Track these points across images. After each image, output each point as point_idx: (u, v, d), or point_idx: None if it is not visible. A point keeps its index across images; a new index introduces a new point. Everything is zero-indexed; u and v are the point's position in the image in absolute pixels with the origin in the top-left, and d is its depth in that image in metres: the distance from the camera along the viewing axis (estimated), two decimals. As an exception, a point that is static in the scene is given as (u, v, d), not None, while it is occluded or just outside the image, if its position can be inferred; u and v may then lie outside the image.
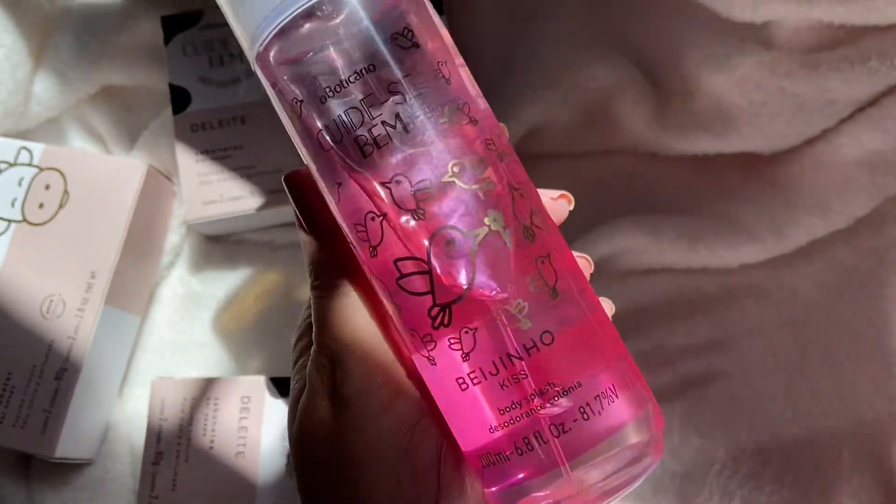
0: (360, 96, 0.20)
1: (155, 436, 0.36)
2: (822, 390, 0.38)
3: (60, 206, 0.38)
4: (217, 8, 0.41)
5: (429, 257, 0.20)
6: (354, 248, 0.21)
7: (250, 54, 0.21)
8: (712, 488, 0.37)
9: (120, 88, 0.44)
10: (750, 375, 0.38)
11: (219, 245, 0.42)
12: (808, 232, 0.38)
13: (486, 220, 0.20)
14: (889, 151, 0.35)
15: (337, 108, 0.20)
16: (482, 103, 0.22)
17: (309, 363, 0.22)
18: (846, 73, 0.34)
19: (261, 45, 0.20)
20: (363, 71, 0.20)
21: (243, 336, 0.41)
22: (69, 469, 0.38)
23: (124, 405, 0.40)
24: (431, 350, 0.20)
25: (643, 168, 0.41)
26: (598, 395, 0.20)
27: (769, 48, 0.36)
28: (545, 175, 0.42)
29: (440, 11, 0.39)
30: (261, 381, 0.36)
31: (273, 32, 0.20)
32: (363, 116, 0.20)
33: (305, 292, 0.41)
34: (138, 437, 0.39)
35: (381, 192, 0.20)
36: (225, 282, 0.42)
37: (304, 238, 0.23)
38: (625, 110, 0.39)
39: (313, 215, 0.22)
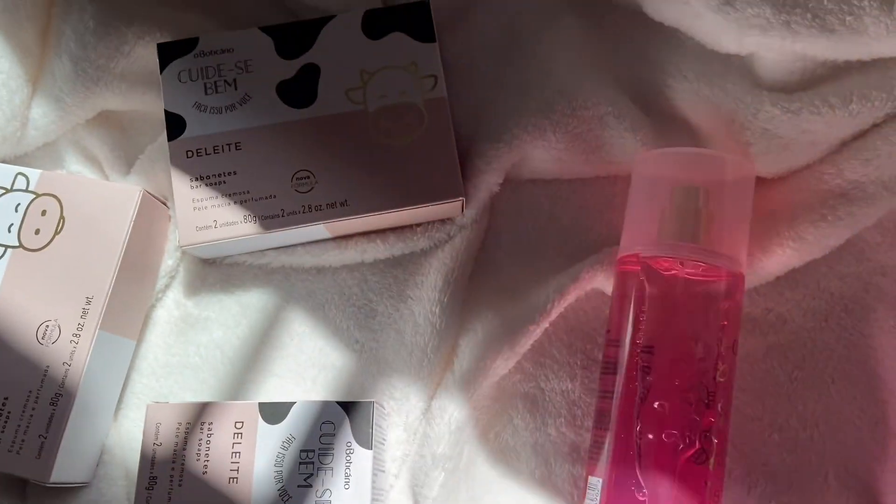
0: None
1: (149, 460, 0.36)
2: (809, 415, 0.38)
3: (56, 232, 0.38)
4: (212, 35, 0.41)
5: None
6: None
7: None
8: (699, 512, 0.37)
9: (116, 113, 0.44)
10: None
11: (214, 268, 0.43)
12: (781, 263, 0.38)
13: None
14: (869, 183, 0.36)
15: None
16: None
17: None
18: (827, 116, 0.34)
19: None
20: None
21: (237, 359, 0.41)
22: (65, 493, 0.38)
23: (119, 428, 0.40)
24: None
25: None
26: None
27: (754, 87, 0.36)
28: (536, 200, 0.42)
29: (431, 38, 0.40)
30: (254, 406, 0.36)
31: None
32: None
33: (297, 315, 0.42)
34: (133, 459, 0.39)
35: None
36: (220, 304, 0.42)
37: None
38: (619, 137, 0.39)
39: None
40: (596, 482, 0.34)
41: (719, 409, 0.33)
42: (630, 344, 0.34)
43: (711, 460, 0.33)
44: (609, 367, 0.35)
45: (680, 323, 0.34)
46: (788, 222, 0.37)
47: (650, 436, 0.33)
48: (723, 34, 0.35)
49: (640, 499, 0.32)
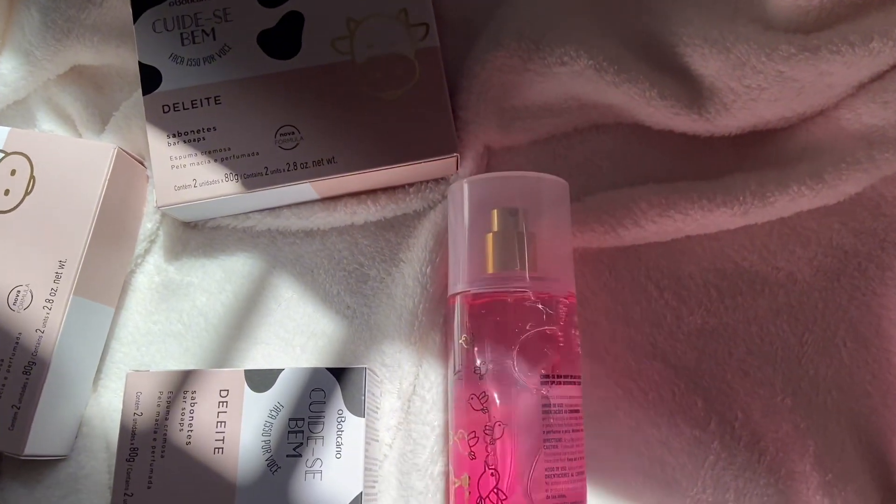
0: None
1: (129, 431, 0.34)
2: (820, 379, 0.37)
3: (27, 193, 0.36)
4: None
5: None
6: None
7: None
8: (706, 480, 0.36)
9: (90, 68, 0.42)
10: (746, 364, 0.37)
11: (196, 231, 0.40)
12: (794, 202, 0.35)
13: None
14: (889, 127, 0.33)
15: None
16: None
17: None
18: (847, 55, 0.32)
19: None
20: None
21: (221, 326, 0.39)
22: (42, 466, 0.36)
23: (99, 399, 0.38)
24: None
25: (631, 145, 0.39)
26: None
27: (767, 29, 0.34)
28: (537, 158, 0.40)
29: None
30: (240, 373, 0.35)
31: None
32: None
33: (284, 280, 0.40)
34: (114, 431, 0.38)
35: None
36: (203, 270, 0.40)
37: None
38: (607, 89, 0.37)
39: None
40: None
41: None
42: (465, 365, 0.32)
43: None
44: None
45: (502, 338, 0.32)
46: (807, 162, 0.35)
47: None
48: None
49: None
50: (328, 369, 0.34)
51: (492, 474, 0.31)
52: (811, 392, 0.36)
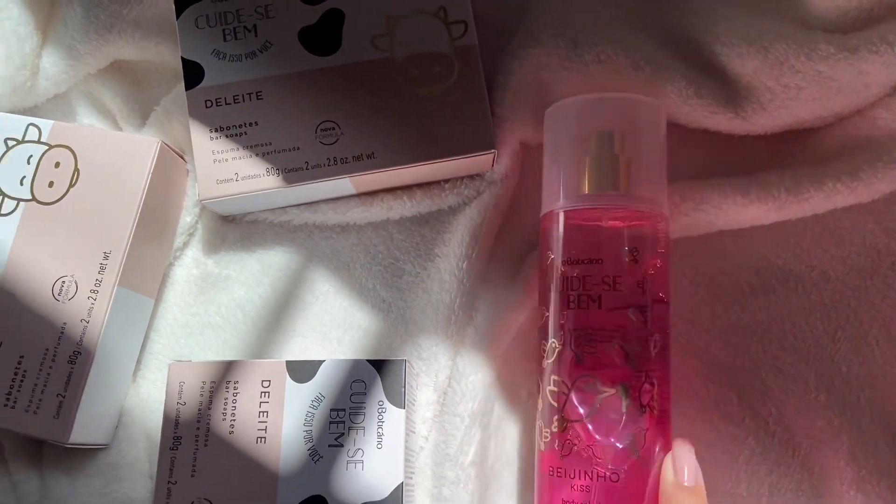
0: None
1: (172, 420, 0.35)
2: (853, 377, 0.37)
3: (71, 185, 0.37)
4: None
5: None
6: None
7: None
8: (740, 475, 0.36)
9: (129, 64, 0.42)
10: (780, 361, 0.37)
11: (234, 225, 0.41)
12: (829, 199, 0.36)
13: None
14: None
15: None
16: None
17: None
18: (886, 55, 0.33)
19: None
20: None
21: (259, 318, 0.40)
22: (83, 454, 0.37)
23: (138, 389, 0.39)
24: None
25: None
26: None
27: (805, 29, 0.34)
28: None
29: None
30: (282, 364, 0.35)
31: None
32: None
33: (320, 274, 0.40)
34: (153, 421, 0.38)
35: None
36: (241, 263, 0.41)
37: None
38: (651, 86, 0.38)
39: None
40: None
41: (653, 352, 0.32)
42: (559, 297, 0.32)
43: (647, 404, 0.32)
44: (543, 331, 0.34)
45: (605, 270, 0.32)
46: (844, 158, 0.35)
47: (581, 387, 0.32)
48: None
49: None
50: (369, 361, 0.35)
51: (651, 383, 0.31)
52: (844, 389, 0.37)
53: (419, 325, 0.39)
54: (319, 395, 0.34)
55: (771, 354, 0.37)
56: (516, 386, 0.38)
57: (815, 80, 0.34)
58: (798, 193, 0.36)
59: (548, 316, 0.33)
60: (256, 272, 0.40)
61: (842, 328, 0.38)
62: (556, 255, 0.33)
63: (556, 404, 0.32)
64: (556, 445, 0.32)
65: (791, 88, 0.35)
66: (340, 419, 0.34)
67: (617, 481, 0.31)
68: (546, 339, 0.33)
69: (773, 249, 0.38)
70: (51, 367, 0.35)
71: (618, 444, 0.31)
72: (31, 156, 0.37)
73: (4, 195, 0.37)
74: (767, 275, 0.38)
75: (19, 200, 0.37)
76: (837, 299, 0.38)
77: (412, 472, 0.36)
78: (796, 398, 0.37)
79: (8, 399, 0.34)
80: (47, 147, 0.37)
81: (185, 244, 0.41)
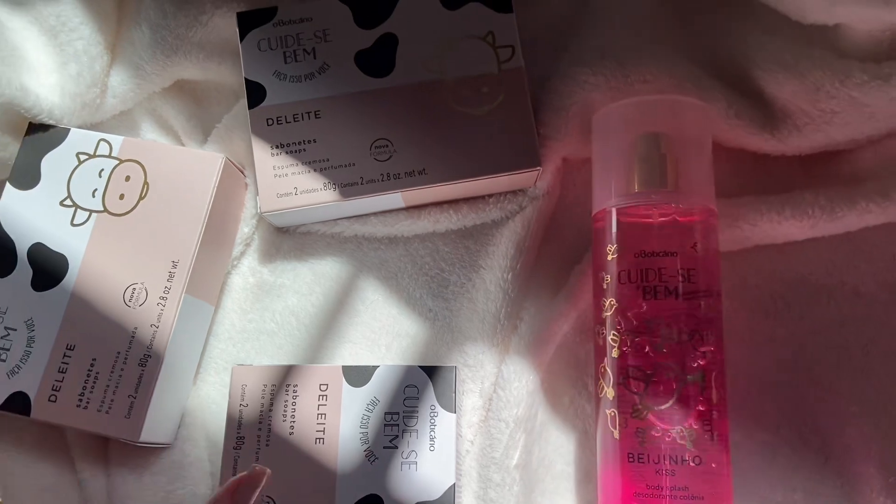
0: None
1: (236, 421, 0.37)
2: (885, 388, 0.38)
3: (141, 197, 0.39)
4: (290, 4, 0.42)
5: None
6: None
7: None
8: (775, 482, 0.38)
9: (190, 83, 0.45)
10: (813, 373, 0.39)
11: (288, 236, 0.43)
12: (862, 218, 0.38)
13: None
14: None
15: None
16: None
17: None
18: None
19: None
20: None
21: (311, 325, 0.42)
22: (147, 453, 0.39)
23: (198, 391, 0.41)
24: None
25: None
26: None
27: (840, 57, 0.36)
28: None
29: (508, 8, 0.40)
30: (338, 369, 0.37)
31: None
32: None
33: (369, 283, 0.42)
34: (213, 422, 0.40)
35: None
36: (294, 272, 0.43)
37: None
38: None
39: None
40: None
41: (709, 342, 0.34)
42: (635, 289, 0.34)
43: (710, 392, 0.34)
44: (599, 326, 0.36)
45: (679, 263, 0.34)
46: (876, 179, 0.37)
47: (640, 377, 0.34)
48: (812, 3, 0.35)
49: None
50: (421, 367, 0.37)
51: (720, 371, 0.34)
52: (876, 400, 0.38)
53: (465, 334, 0.41)
54: (374, 399, 0.36)
55: (804, 366, 0.39)
56: (559, 392, 0.40)
57: (848, 105, 0.36)
58: (831, 212, 0.37)
59: (616, 308, 0.35)
60: (309, 281, 0.42)
61: (872, 342, 0.39)
62: (625, 250, 0.35)
63: (636, 392, 0.34)
64: (636, 432, 0.33)
65: (826, 112, 0.37)
66: (395, 422, 0.36)
67: (699, 464, 0.33)
68: (605, 331, 0.35)
69: (806, 265, 0.40)
70: (122, 370, 0.37)
71: (695, 427, 0.33)
72: (102, 169, 0.40)
73: (77, 206, 0.39)
74: (799, 289, 0.40)
75: (91, 211, 0.39)
76: (868, 314, 0.39)
77: (459, 475, 0.38)
78: (829, 408, 0.38)
79: (80, 399, 0.37)
80: (118, 161, 0.40)
81: (243, 253, 0.43)
